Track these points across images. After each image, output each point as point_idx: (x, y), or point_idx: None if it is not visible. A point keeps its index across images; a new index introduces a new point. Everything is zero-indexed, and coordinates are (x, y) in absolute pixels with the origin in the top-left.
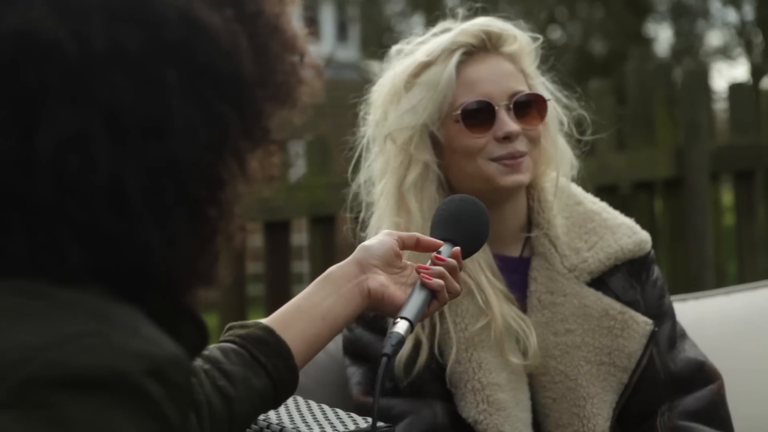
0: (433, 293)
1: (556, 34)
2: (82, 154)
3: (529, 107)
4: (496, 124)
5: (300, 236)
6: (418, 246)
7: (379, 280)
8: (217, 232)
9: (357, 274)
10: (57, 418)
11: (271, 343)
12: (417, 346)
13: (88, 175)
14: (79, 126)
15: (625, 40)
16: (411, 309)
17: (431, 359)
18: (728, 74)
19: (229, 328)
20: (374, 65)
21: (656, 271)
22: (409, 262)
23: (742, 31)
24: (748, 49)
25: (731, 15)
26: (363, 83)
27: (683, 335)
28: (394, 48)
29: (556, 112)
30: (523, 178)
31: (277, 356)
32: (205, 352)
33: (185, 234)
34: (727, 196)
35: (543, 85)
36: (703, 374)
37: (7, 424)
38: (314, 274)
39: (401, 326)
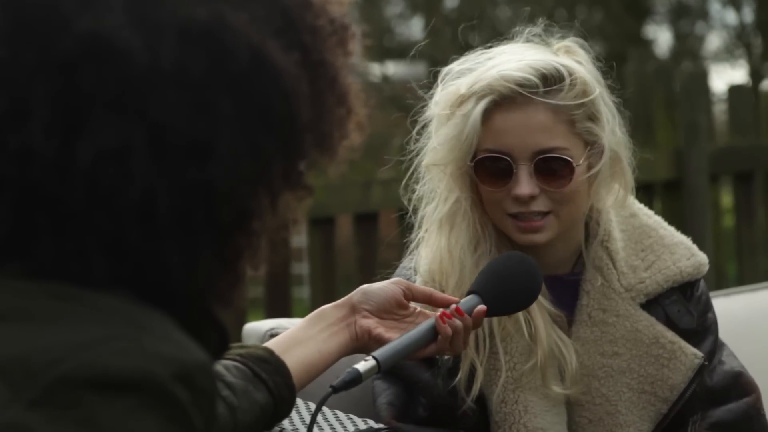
0: (431, 339)
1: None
2: (120, 167)
3: (554, 168)
4: (512, 182)
5: (299, 238)
6: (430, 301)
7: (366, 324)
8: (241, 258)
9: (347, 316)
10: (86, 419)
11: (270, 361)
12: (472, 374)
13: (122, 190)
14: (123, 139)
15: (624, 42)
16: (386, 350)
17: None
18: (728, 76)
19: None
20: (374, 67)
21: (701, 286)
22: (417, 306)
23: (741, 34)
24: (748, 51)
25: (731, 17)
26: (362, 85)
27: (721, 345)
28: (446, 69)
29: (618, 134)
30: (539, 238)
31: (276, 373)
32: None
33: (209, 257)
34: (727, 198)
35: (610, 129)
36: (738, 386)
37: (39, 424)
38: (314, 276)
39: (365, 365)
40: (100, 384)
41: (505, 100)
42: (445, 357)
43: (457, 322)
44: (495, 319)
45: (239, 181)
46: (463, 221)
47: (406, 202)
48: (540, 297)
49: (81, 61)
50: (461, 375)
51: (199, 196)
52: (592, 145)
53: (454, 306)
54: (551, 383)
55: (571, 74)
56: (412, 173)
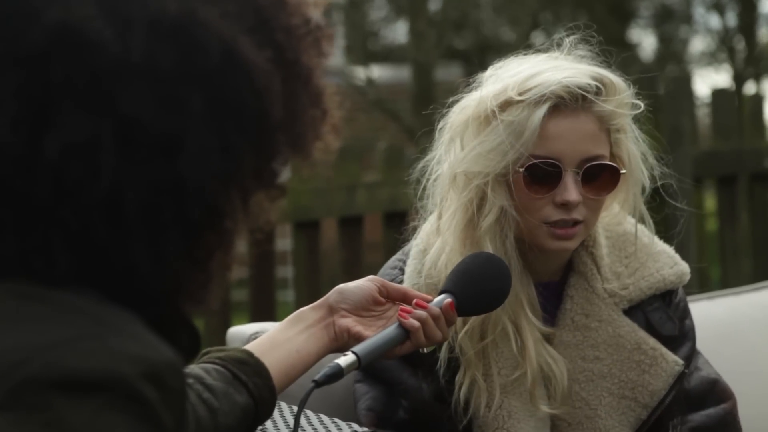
0: (407, 334)
1: (540, 39)
2: (87, 162)
3: (600, 176)
4: (559, 188)
5: (284, 241)
6: (405, 299)
7: (345, 323)
8: (213, 257)
9: (325, 316)
10: (53, 421)
11: (250, 363)
12: (472, 386)
13: (90, 185)
14: (90, 133)
15: (608, 46)
16: (366, 345)
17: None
18: (711, 80)
19: (206, 353)
20: (359, 70)
21: (680, 293)
22: (396, 303)
23: (725, 37)
24: (731, 55)
25: (714, 21)
26: (347, 88)
27: (697, 352)
28: (488, 72)
29: (637, 150)
30: (571, 245)
31: (256, 375)
32: (187, 370)
33: (178, 255)
34: (710, 202)
35: (633, 138)
36: (715, 393)
37: (4, 427)
38: (298, 279)
39: (345, 359)
40: (67, 385)
41: (560, 105)
42: (425, 350)
43: (421, 313)
44: (486, 334)
45: (209, 178)
46: (511, 230)
47: (416, 204)
48: (531, 315)
49: (49, 52)
50: (463, 390)
51: (168, 192)
52: (616, 156)
53: (414, 301)
54: (539, 403)
55: (620, 87)
56: (426, 180)
